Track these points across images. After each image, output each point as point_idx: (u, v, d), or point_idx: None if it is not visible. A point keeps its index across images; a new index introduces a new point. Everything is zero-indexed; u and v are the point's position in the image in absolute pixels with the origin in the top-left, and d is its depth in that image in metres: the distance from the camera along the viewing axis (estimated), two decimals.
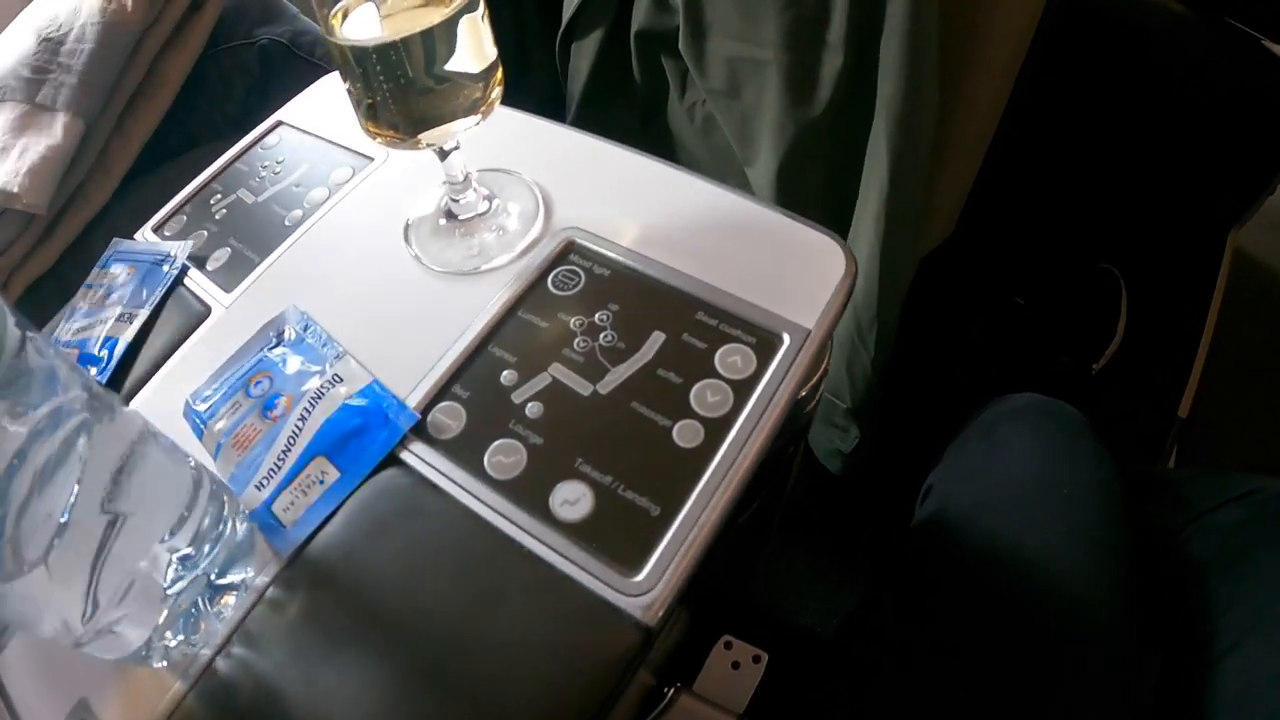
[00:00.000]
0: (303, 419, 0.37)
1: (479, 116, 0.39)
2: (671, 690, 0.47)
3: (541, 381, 0.37)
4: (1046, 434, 0.52)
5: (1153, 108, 0.80)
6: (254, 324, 0.43)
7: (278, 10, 0.82)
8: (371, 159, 0.50)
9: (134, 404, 0.43)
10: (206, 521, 0.33)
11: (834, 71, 0.57)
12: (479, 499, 0.34)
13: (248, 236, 0.48)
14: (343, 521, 0.35)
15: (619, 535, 0.33)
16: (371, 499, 0.35)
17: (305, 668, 0.32)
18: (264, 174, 0.52)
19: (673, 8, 0.61)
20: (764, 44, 0.57)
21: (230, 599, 0.35)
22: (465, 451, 0.36)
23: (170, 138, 0.77)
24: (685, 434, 0.35)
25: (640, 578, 0.32)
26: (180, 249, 0.48)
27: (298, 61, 0.79)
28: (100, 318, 0.47)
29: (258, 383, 0.40)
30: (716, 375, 0.36)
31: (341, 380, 0.38)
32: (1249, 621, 0.42)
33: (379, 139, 0.39)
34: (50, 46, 0.69)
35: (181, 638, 0.33)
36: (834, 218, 0.64)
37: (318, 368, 0.39)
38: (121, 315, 0.47)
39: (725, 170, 0.69)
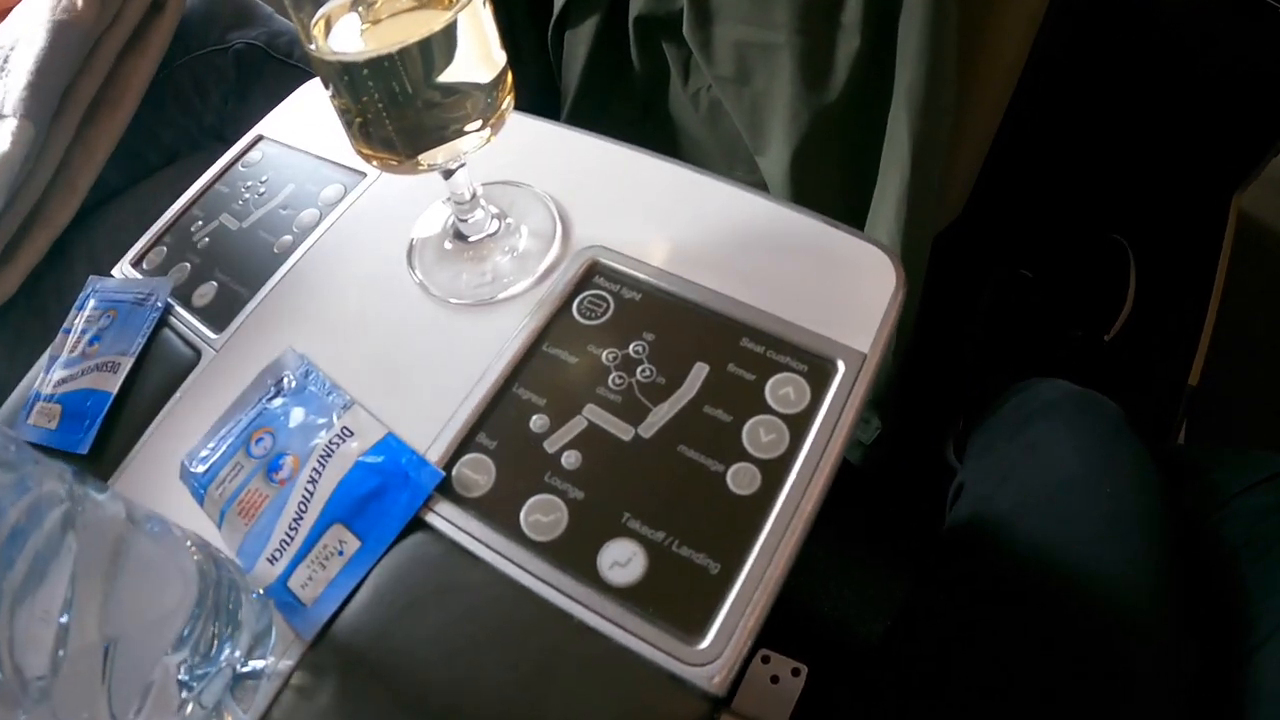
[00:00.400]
0: (313, 481, 0.33)
1: (489, 132, 0.33)
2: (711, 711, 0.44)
3: (576, 426, 0.33)
4: (1085, 431, 0.48)
5: (1156, 71, 0.76)
6: (248, 368, 0.38)
7: (251, 11, 0.75)
8: (364, 174, 0.44)
9: (126, 466, 0.38)
10: (218, 620, 0.29)
11: (850, 55, 0.52)
12: (519, 565, 0.30)
13: (234, 268, 0.42)
14: (369, 597, 0.31)
15: (677, 598, 0.29)
16: (399, 570, 0.31)
17: None
18: (247, 196, 0.46)
19: None
20: (775, 27, 0.51)
21: (253, 685, 0.30)
22: (498, 511, 0.31)
23: (147, 154, 0.70)
24: (740, 479, 0.31)
25: (705, 644, 0.28)
26: (161, 286, 0.43)
27: (276, 65, 0.72)
28: (81, 368, 0.42)
29: (258, 440, 0.35)
30: (769, 410, 0.32)
31: (352, 434, 0.34)
32: None
33: (373, 161, 0.34)
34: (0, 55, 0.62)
35: None
36: (850, 206, 0.59)
37: (323, 420, 0.34)
38: (104, 364, 0.41)
39: (733, 160, 0.63)
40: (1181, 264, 0.81)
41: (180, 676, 0.28)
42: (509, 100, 0.34)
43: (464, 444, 0.33)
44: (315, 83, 0.50)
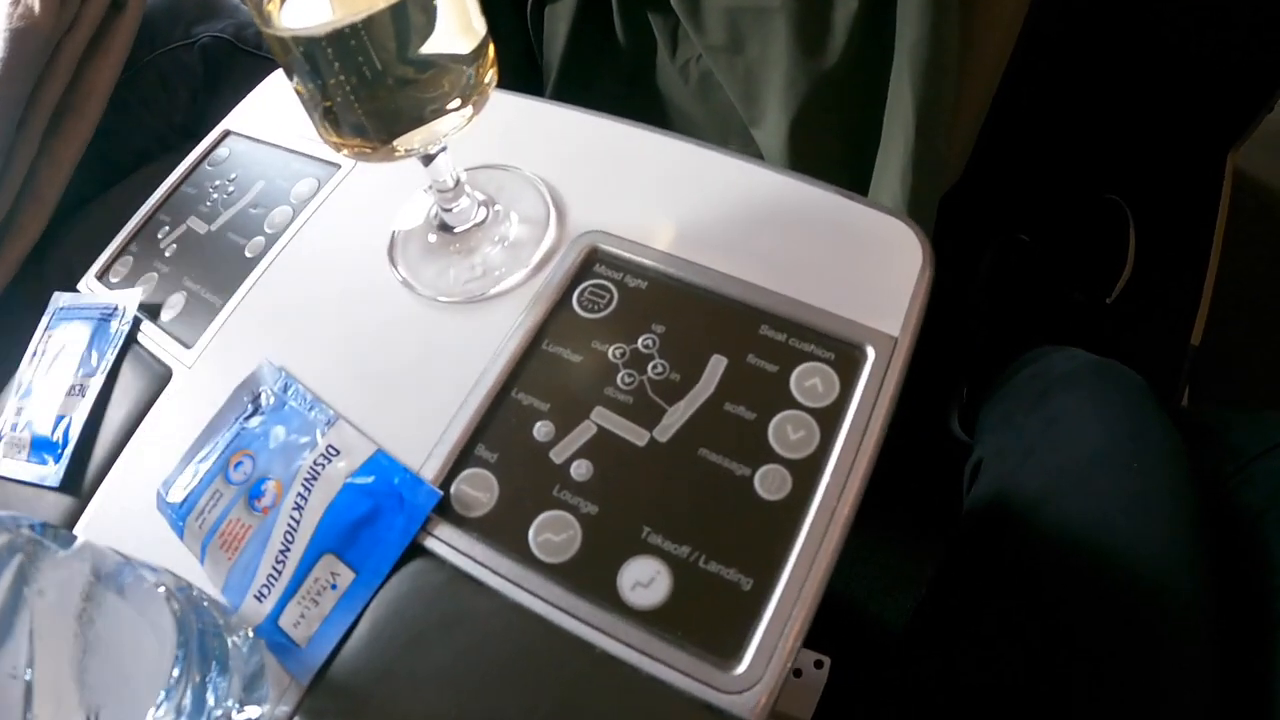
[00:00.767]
0: (298, 508, 0.29)
1: (471, 110, 0.29)
2: None
3: (585, 433, 0.29)
4: (1108, 404, 0.45)
5: (1150, 30, 0.72)
6: (224, 384, 0.33)
7: (216, 3, 0.69)
8: (339, 165, 0.40)
9: (100, 498, 0.33)
10: (203, 668, 0.25)
11: (848, 18, 0.47)
12: (531, 591, 0.26)
13: (204, 276, 0.38)
14: (368, 634, 0.27)
15: (708, 619, 0.25)
16: (399, 603, 0.27)
17: None
18: (215, 196, 0.41)
19: None
20: None
21: None
22: (504, 532, 0.27)
23: (117, 159, 0.65)
24: (769, 483, 0.27)
25: (742, 669, 0.24)
26: (129, 299, 0.38)
27: (245, 57, 0.66)
28: (49, 393, 0.37)
29: (237, 464, 0.30)
30: (796, 405, 0.28)
31: (338, 453, 0.29)
32: None
33: (344, 150, 0.29)
34: None
35: None
36: (853, 175, 0.55)
37: (306, 438, 0.30)
38: (73, 388, 0.37)
39: (726, 133, 0.59)
40: (1179, 223, 0.78)
41: None
42: (492, 74, 0.30)
43: (462, 458, 0.29)
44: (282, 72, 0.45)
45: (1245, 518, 0.42)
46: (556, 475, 0.28)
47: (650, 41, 0.57)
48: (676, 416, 0.28)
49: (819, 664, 0.47)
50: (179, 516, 0.31)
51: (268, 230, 0.38)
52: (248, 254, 0.38)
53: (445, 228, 0.35)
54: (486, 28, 0.29)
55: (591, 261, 0.33)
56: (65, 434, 0.36)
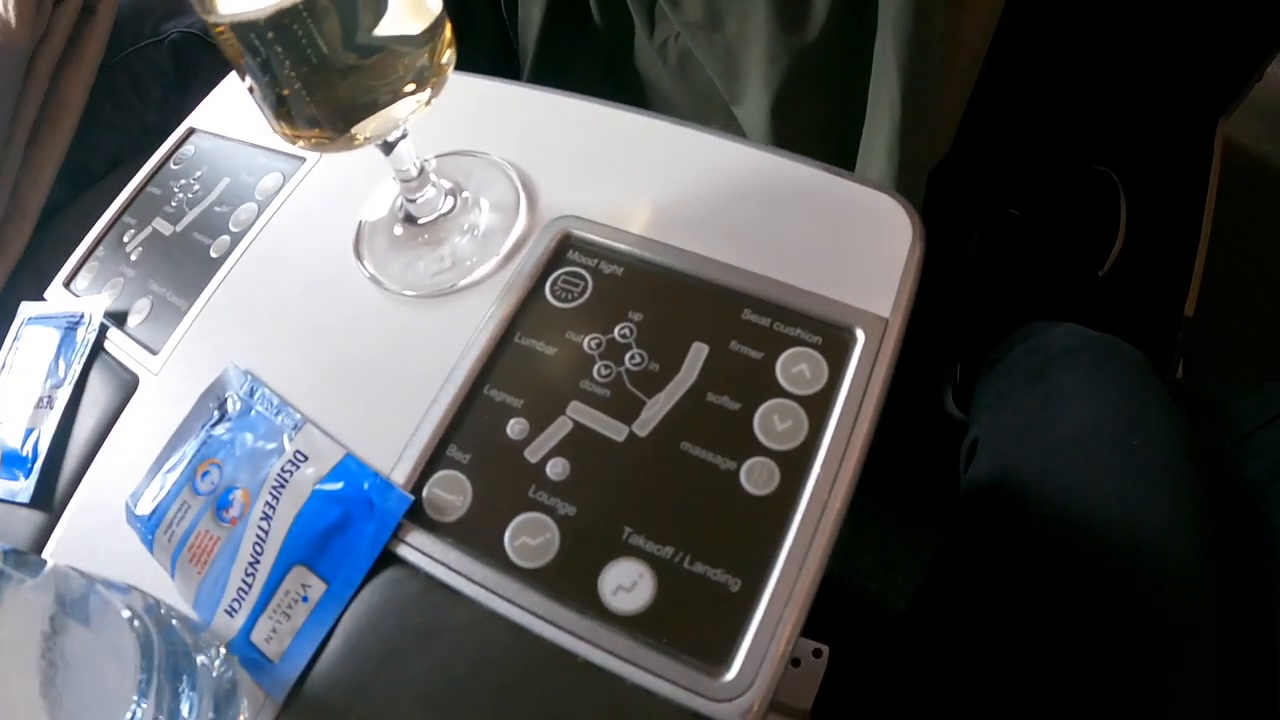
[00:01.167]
0: (266, 518, 0.27)
1: (428, 93, 0.26)
2: None
3: (561, 429, 0.27)
4: (1107, 379, 0.43)
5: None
6: (191, 390, 0.31)
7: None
8: (304, 159, 0.38)
9: (70, 512, 0.32)
10: (172, 688, 0.23)
11: None
12: (508, 598, 0.24)
13: (169, 278, 0.36)
14: (342, 648, 0.25)
15: (695, 623, 0.23)
16: (373, 614, 0.25)
17: None
18: (180, 196, 0.39)
19: None
20: None
21: None
22: (479, 536, 0.25)
23: (89, 163, 0.62)
24: (756, 477, 0.25)
25: (731, 675, 0.23)
26: (94, 306, 0.36)
27: (216, 52, 0.63)
28: (16, 407, 0.35)
29: (204, 473, 0.28)
30: (782, 393, 0.26)
31: (306, 459, 0.27)
32: None
33: (300, 142, 0.27)
34: None
35: None
36: (837, 152, 0.53)
37: (273, 444, 0.28)
38: (41, 400, 0.35)
39: (707, 112, 0.56)
40: (1170, 194, 0.75)
41: None
42: (449, 54, 0.27)
43: (433, 460, 0.27)
44: None
45: (1247, 491, 0.40)
46: (532, 475, 0.26)
47: (627, 21, 0.55)
48: (656, 409, 0.26)
49: (817, 653, 0.45)
50: (148, 530, 0.29)
51: (233, 229, 0.36)
52: (213, 254, 0.36)
53: (411, 219, 0.32)
54: (442, 6, 0.26)
55: (564, 248, 0.30)
56: (35, 448, 0.34)
